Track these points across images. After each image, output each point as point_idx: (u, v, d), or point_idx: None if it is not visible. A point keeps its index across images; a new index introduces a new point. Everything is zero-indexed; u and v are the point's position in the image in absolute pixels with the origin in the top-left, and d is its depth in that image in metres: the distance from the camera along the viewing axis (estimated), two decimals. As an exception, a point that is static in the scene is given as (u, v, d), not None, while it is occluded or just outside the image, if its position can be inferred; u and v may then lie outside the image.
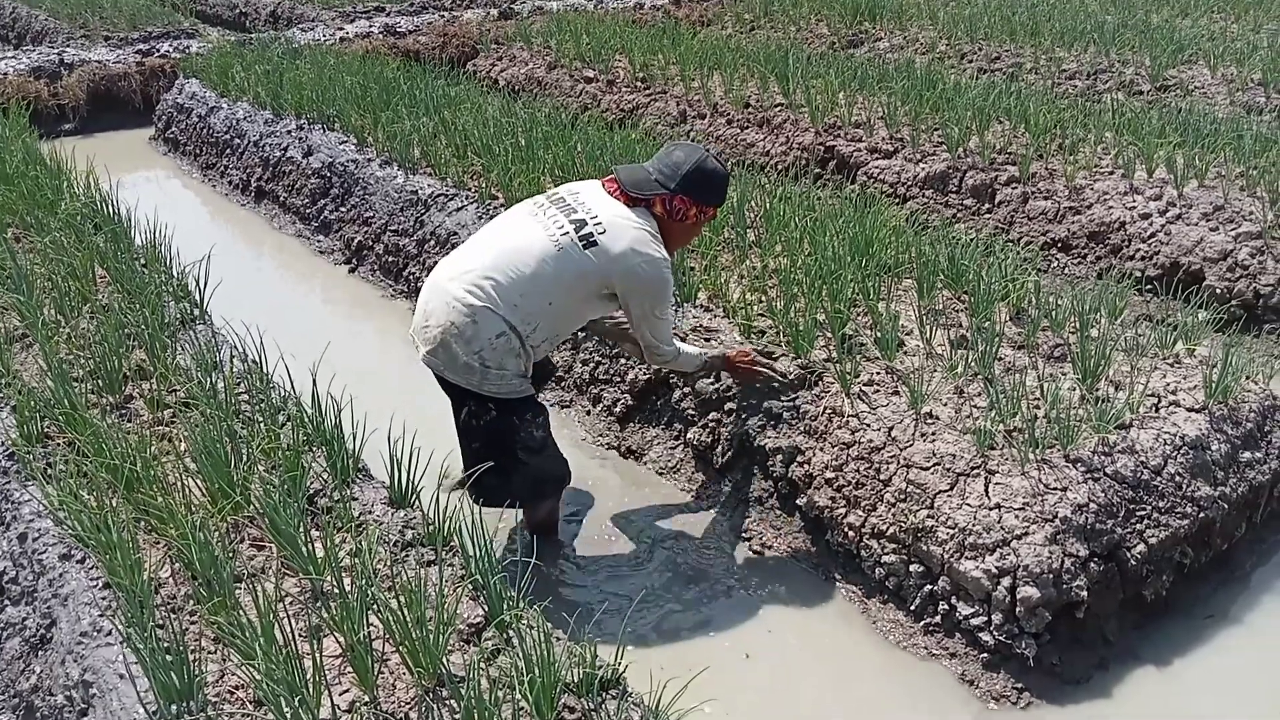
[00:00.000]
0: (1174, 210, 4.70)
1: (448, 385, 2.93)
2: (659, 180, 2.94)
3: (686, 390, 3.62)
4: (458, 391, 2.90)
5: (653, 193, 2.93)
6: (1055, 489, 2.77)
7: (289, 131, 6.63)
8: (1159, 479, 2.87)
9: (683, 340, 3.41)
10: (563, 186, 3.08)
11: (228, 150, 7.21)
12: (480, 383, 2.84)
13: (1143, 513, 2.82)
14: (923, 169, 5.58)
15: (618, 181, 2.97)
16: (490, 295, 2.78)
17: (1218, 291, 4.34)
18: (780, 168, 6.10)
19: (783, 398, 3.30)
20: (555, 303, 2.84)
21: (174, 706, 1.94)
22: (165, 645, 2.02)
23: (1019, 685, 2.64)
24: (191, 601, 2.27)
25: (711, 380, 3.47)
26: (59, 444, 2.89)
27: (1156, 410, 3.08)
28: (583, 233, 2.83)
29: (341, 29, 10.38)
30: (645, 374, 3.79)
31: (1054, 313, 3.52)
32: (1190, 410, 3.09)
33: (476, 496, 2.90)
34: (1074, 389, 3.13)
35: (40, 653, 2.37)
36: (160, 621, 2.16)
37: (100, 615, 2.24)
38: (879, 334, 3.39)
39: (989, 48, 7.98)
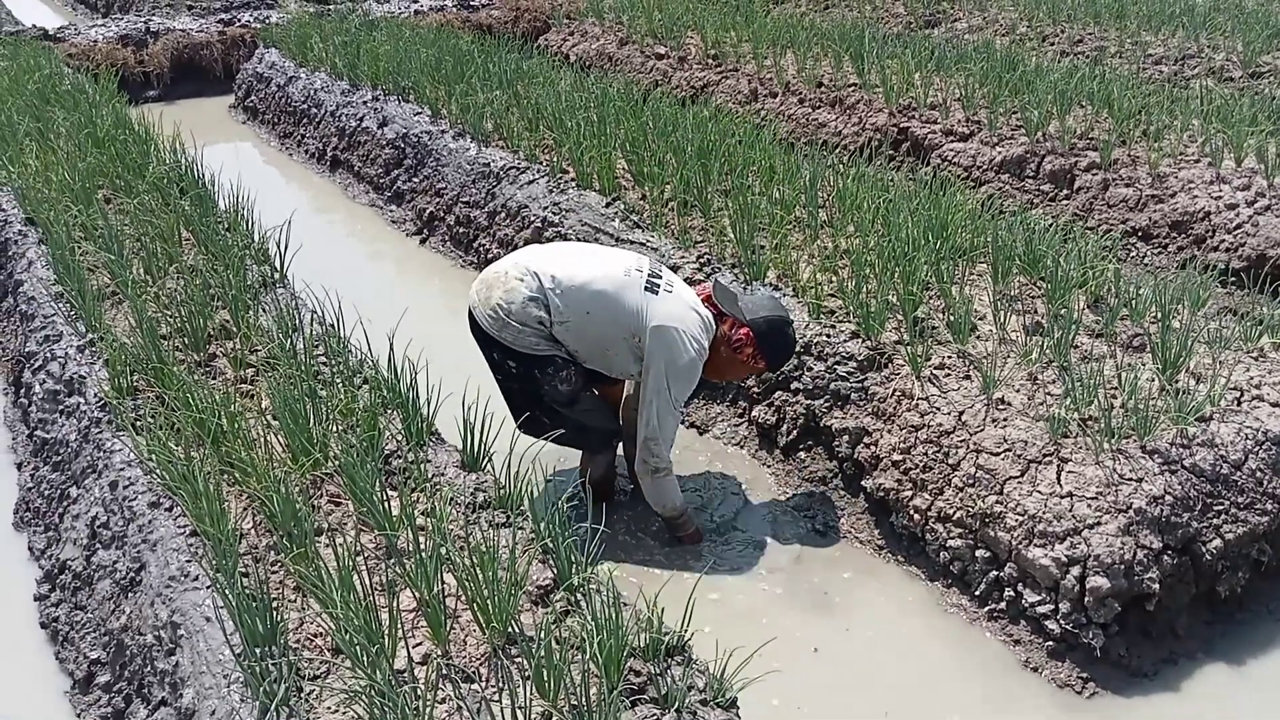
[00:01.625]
0: (1263, 201, 4.54)
1: (477, 333, 3.03)
2: (742, 307, 3.04)
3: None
4: (484, 338, 3.00)
5: (730, 313, 3.03)
6: (1130, 479, 2.72)
7: (365, 102, 6.74)
8: (1239, 474, 2.81)
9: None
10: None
11: (305, 119, 7.35)
12: (500, 330, 2.93)
13: (1220, 507, 2.76)
14: (999, 153, 5.47)
15: (709, 288, 3.09)
16: (548, 275, 2.93)
17: (1306, 286, 4.19)
18: (852, 149, 6.03)
19: None
20: (591, 315, 2.93)
21: (257, 649, 2.02)
22: (249, 592, 2.10)
23: (1084, 675, 2.62)
24: (273, 552, 2.35)
25: (670, 527, 3.21)
26: (148, 397, 3.01)
27: (1238, 404, 3.00)
28: (652, 281, 2.97)
29: (416, 1, 10.49)
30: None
31: (1134, 302, 3.44)
32: (1274, 406, 3.00)
33: (528, 428, 3.00)
34: (1153, 379, 3.07)
35: (130, 595, 2.48)
36: (244, 569, 2.24)
37: (188, 561, 2.34)
38: (951, 317, 3.35)
39: (1072, 30, 7.77)
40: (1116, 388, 3.02)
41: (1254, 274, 4.25)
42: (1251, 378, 3.11)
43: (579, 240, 4.47)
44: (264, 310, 3.51)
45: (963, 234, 3.91)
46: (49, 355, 3.46)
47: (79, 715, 2.52)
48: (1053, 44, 7.69)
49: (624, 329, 2.95)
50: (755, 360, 3.05)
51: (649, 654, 2.06)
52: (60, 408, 3.29)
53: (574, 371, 3.03)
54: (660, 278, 3.01)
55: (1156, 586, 2.61)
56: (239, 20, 9.85)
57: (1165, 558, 2.65)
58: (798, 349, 3.47)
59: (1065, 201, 5.15)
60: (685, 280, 3.47)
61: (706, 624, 2.81)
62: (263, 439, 2.71)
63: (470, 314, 3.03)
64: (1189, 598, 2.72)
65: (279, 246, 3.88)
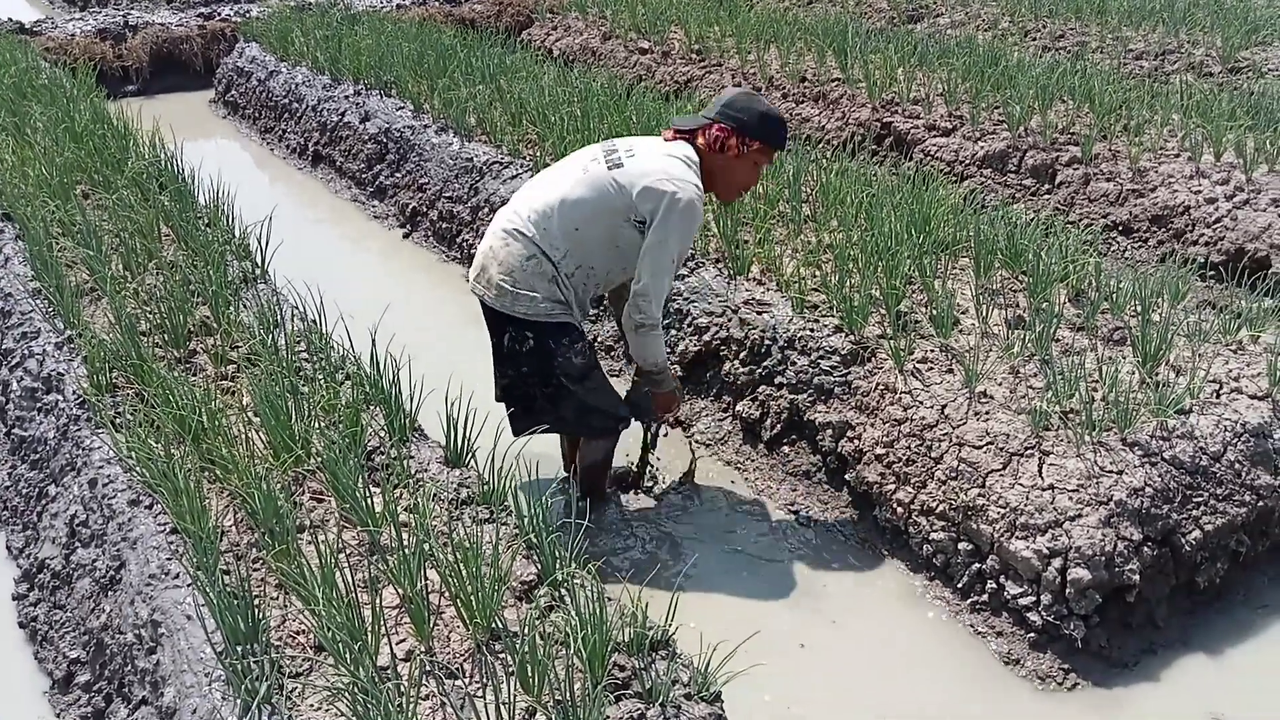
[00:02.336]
0: (1242, 195, 4.58)
1: (489, 316, 3.00)
2: (704, 115, 2.98)
3: (737, 363, 3.63)
4: (496, 319, 2.96)
5: (696, 125, 2.96)
6: (1111, 472, 2.74)
7: (346, 97, 6.70)
8: (1218, 465, 2.83)
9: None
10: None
11: (286, 114, 7.30)
12: (512, 304, 2.88)
13: (1200, 499, 2.79)
14: (982, 147, 5.49)
15: (672, 126, 3.03)
16: (524, 220, 2.89)
17: (1284, 279, 4.23)
18: (835, 143, 6.04)
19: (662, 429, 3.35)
20: (581, 229, 2.86)
21: (239, 647, 2.01)
22: (231, 589, 2.09)
23: (1065, 666, 2.64)
24: (255, 549, 2.34)
25: (648, 381, 3.17)
26: (128, 394, 2.98)
27: (1218, 396, 3.03)
28: (611, 158, 2.91)
29: (398, -4, 10.42)
30: (695, 345, 3.80)
31: (1114, 295, 3.46)
32: (1253, 398, 3.03)
33: (526, 422, 2.99)
34: (1133, 372, 3.09)
35: (110, 593, 2.46)
36: (226, 566, 2.23)
37: (168, 558, 2.32)
38: (934, 311, 3.36)
39: (1054, 25, 7.81)
40: (1097, 381, 3.04)
41: (1233, 267, 4.29)
42: (1230, 370, 3.14)
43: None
44: (245, 306, 3.48)
45: (945, 228, 3.92)
46: (26, 352, 3.43)
47: (59, 715, 2.50)
48: (1034, 39, 7.72)
49: (617, 215, 2.86)
50: (747, 146, 2.92)
51: (633, 649, 2.06)
52: (38, 405, 3.26)
53: (588, 344, 3.03)
54: (617, 150, 2.93)
55: (1137, 578, 2.63)
56: (219, 14, 9.77)
57: (1145, 549, 2.67)
58: (781, 343, 3.48)
59: (1047, 196, 5.18)
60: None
61: (690, 619, 2.82)
62: (244, 436, 2.70)
63: (481, 303, 3.00)
64: (1169, 588, 2.75)
65: (260, 242, 3.86)
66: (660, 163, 2.88)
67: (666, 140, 2.99)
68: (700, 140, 2.95)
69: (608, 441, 3.18)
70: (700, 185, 2.89)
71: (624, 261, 2.95)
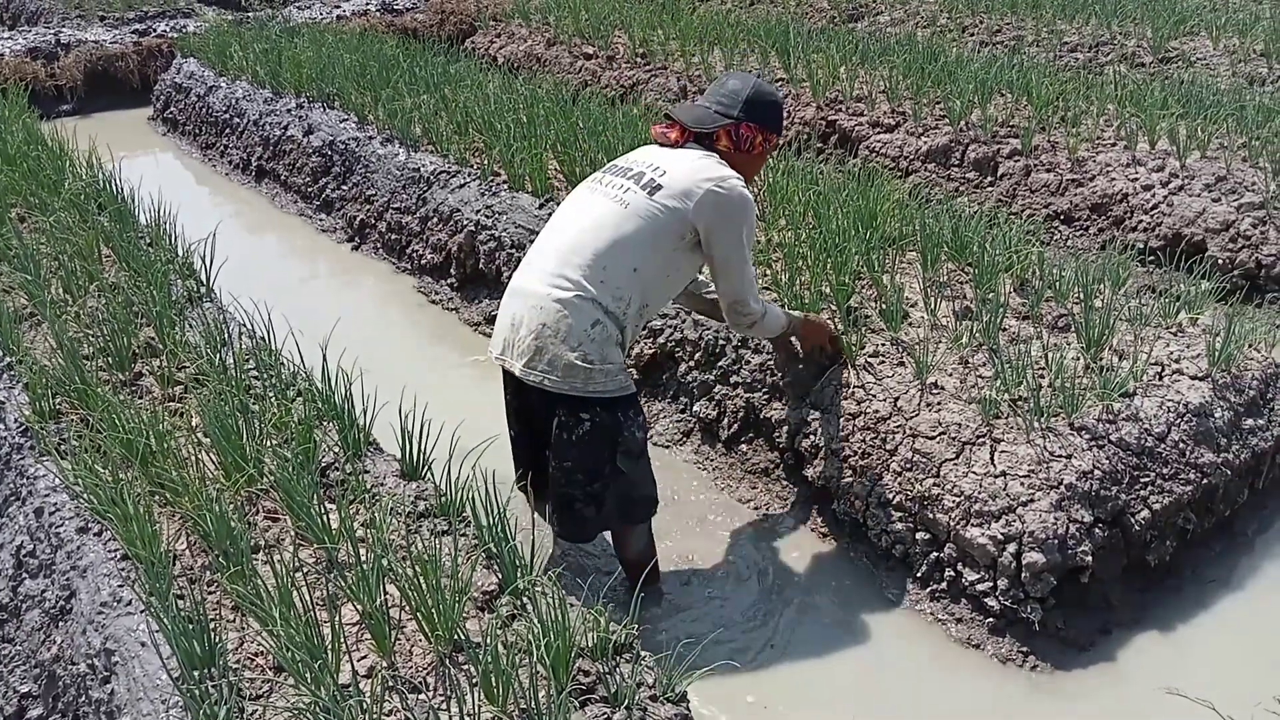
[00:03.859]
0: (1176, 181, 4.70)
1: (539, 400, 2.69)
2: (720, 111, 2.77)
3: (692, 364, 3.64)
4: (546, 403, 2.66)
5: (716, 125, 2.76)
6: (1060, 456, 2.79)
7: (289, 110, 6.62)
8: (1163, 446, 2.90)
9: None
10: (616, 160, 2.91)
11: (227, 130, 7.19)
12: (586, 383, 2.58)
13: (1147, 479, 2.85)
14: (925, 143, 5.57)
15: (675, 123, 2.80)
16: (577, 282, 2.59)
17: (1220, 262, 4.35)
18: (781, 143, 6.09)
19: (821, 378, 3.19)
20: (640, 268, 2.62)
21: (196, 672, 1.97)
22: (185, 614, 2.05)
23: (1024, 649, 2.68)
24: (209, 572, 2.30)
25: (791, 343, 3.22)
26: (72, 420, 2.91)
27: (1160, 378, 3.10)
28: (644, 182, 2.66)
29: (338, 7, 10.33)
30: (650, 348, 3.81)
31: (1058, 284, 3.53)
32: (1193, 378, 3.11)
33: (567, 532, 2.79)
34: (1078, 358, 3.15)
35: (60, 624, 2.40)
36: (180, 591, 2.19)
37: (120, 585, 2.27)
38: (884, 306, 3.40)
39: (990, 20, 7.95)
40: (1044, 368, 3.09)
41: (1170, 252, 4.40)
42: (1171, 352, 3.22)
43: (513, 243, 4.44)
44: (190, 326, 3.42)
45: (892, 223, 3.97)
46: (-36, 381, 3.34)
47: (11, 752, 2.44)
48: (972, 34, 7.86)
49: (674, 240, 2.65)
50: (768, 141, 2.83)
51: (597, 653, 2.06)
52: (-21, 435, 3.17)
53: (645, 417, 2.82)
54: (643, 173, 2.69)
55: (1089, 559, 2.68)
56: (155, 30, 9.60)
57: (1097, 530, 2.73)
58: (735, 342, 3.50)
59: (989, 188, 5.27)
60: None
61: (654, 621, 2.84)
62: (194, 457, 2.65)
63: (516, 381, 2.69)
64: (1120, 568, 2.81)
65: (204, 260, 3.79)
66: (697, 171, 2.67)
67: (671, 140, 2.79)
68: (724, 142, 2.77)
69: (647, 524, 2.87)
70: (739, 176, 2.72)
71: (674, 290, 2.82)
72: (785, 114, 2.87)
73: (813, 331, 3.18)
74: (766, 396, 3.39)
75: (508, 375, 2.78)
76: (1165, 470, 2.88)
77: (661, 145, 2.82)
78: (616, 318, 2.61)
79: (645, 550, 2.86)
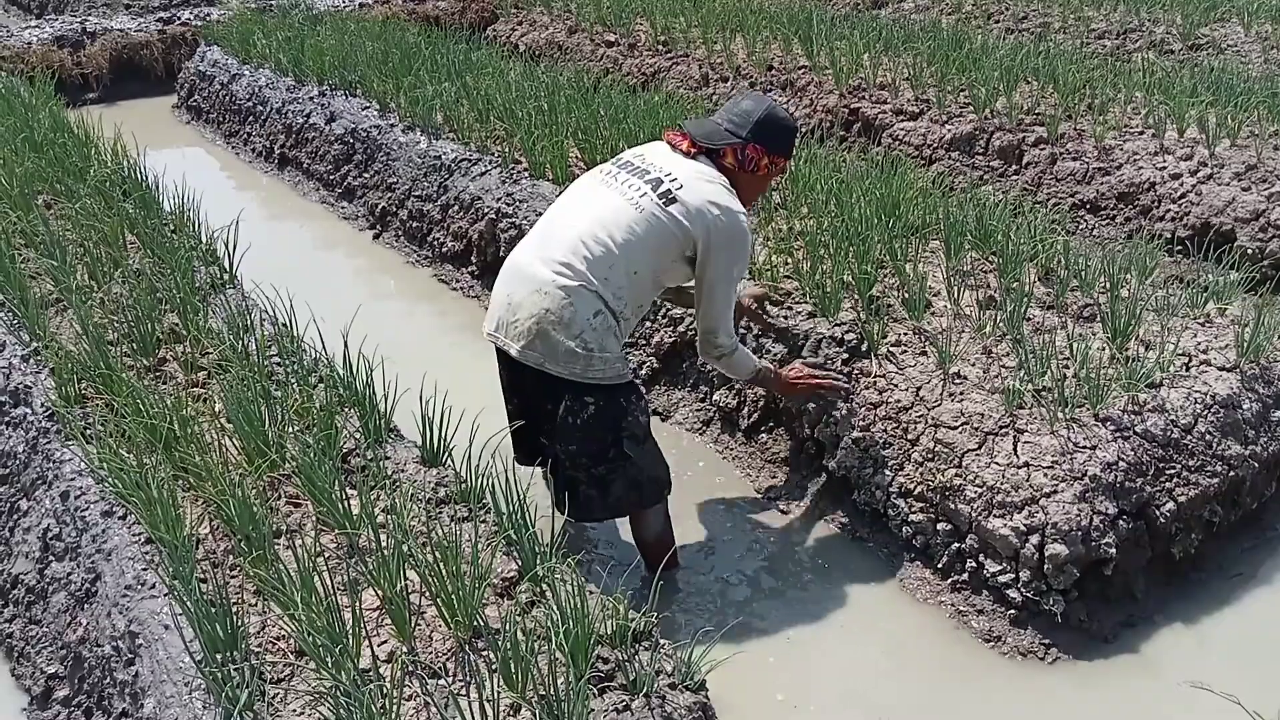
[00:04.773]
0: (1205, 170, 4.63)
1: (539, 383, 2.74)
2: (730, 130, 2.81)
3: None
4: (552, 388, 2.70)
5: (724, 143, 2.81)
6: (1084, 447, 2.77)
7: (311, 98, 6.64)
8: (1189, 437, 2.87)
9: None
10: (626, 152, 2.95)
11: (250, 117, 7.23)
12: (585, 369, 2.64)
13: (1172, 471, 2.82)
14: (949, 130, 5.52)
15: (686, 135, 2.84)
16: (582, 273, 2.63)
17: (1249, 252, 4.28)
18: (804, 130, 6.05)
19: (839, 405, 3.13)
20: (640, 271, 2.68)
21: (218, 655, 1.99)
22: (208, 597, 2.07)
23: (1046, 641, 2.66)
24: (231, 556, 2.32)
25: (762, 386, 3.25)
26: (97, 405, 2.94)
27: (1187, 369, 3.06)
28: (660, 190, 2.69)
29: (361, -5, 10.33)
30: (670, 336, 3.80)
31: (1083, 273, 3.49)
32: (1221, 369, 3.07)
33: (574, 514, 2.80)
34: (1104, 349, 3.12)
35: (86, 606, 2.43)
36: (202, 575, 2.21)
37: (144, 569, 2.30)
38: (906, 295, 3.38)
39: (1016, 7, 7.86)
40: (1069, 358, 3.06)
41: (1198, 242, 4.33)
42: (1199, 343, 3.18)
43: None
44: (214, 312, 3.44)
45: (915, 212, 3.94)
46: (-8, 366, 3.38)
47: (38, 731, 2.48)
48: (998, 21, 7.78)
49: (674, 253, 2.71)
50: (775, 164, 2.87)
51: (616, 641, 2.06)
52: (6, 419, 3.21)
53: (648, 402, 2.85)
54: (659, 180, 2.71)
55: (1113, 551, 2.65)
56: (179, 18, 9.64)
57: (1121, 522, 2.70)
58: (756, 330, 3.48)
59: (1014, 177, 5.22)
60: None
61: (674, 609, 2.84)
62: (217, 442, 2.67)
63: (518, 364, 2.72)
64: (1145, 561, 2.78)
65: (227, 247, 3.81)
66: (709, 193, 2.71)
67: (680, 149, 2.83)
68: (730, 160, 2.81)
69: (661, 505, 2.90)
70: (742, 206, 2.78)
71: (658, 292, 2.88)
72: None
73: (790, 392, 3.12)
74: (787, 386, 3.38)
75: (501, 351, 2.82)
76: (1191, 462, 2.85)
77: (673, 148, 2.84)
78: (614, 311, 2.67)
79: (662, 533, 2.90)
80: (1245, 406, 2.99)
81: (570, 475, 2.75)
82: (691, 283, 2.87)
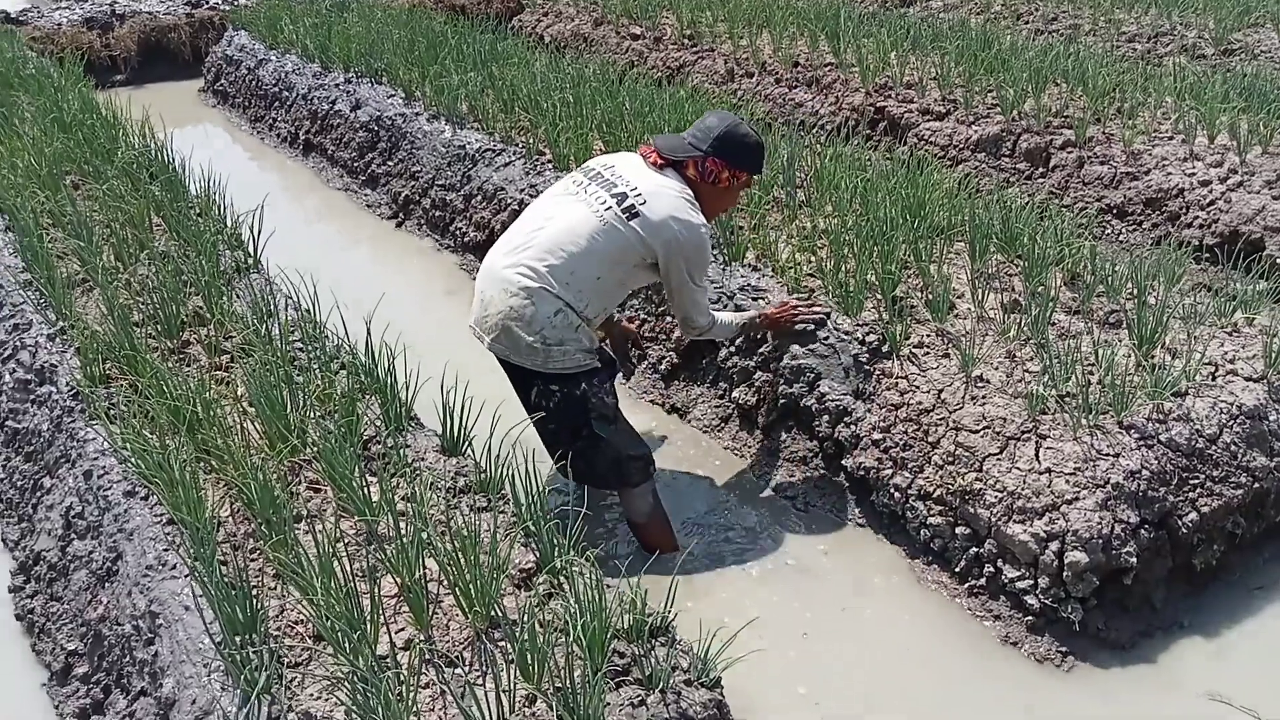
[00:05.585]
0: (1235, 178, 4.58)
1: (513, 371, 2.93)
2: (692, 143, 2.99)
3: (734, 350, 3.62)
4: (523, 375, 2.90)
5: (686, 155, 2.98)
6: (1107, 455, 2.74)
7: (337, 85, 6.66)
8: (1214, 448, 2.84)
9: (721, 308, 3.47)
10: (596, 160, 3.10)
11: (276, 103, 7.26)
12: (545, 362, 2.83)
13: (1196, 481, 2.79)
14: (975, 131, 5.47)
15: (655, 149, 3.01)
16: (544, 275, 2.81)
17: (1278, 261, 4.23)
18: (829, 128, 6.02)
19: (818, 335, 3.29)
20: (603, 277, 2.86)
21: (238, 638, 2.00)
22: (228, 579, 2.08)
23: (1063, 649, 2.65)
24: (251, 539, 2.33)
25: (754, 336, 3.47)
26: (121, 385, 2.96)
27: (1213, 379, 3.03)
28: (625, 205, 2.87)
29: (388, -17, 10.34)
30: (692, 332, 3.79)
31: (1110, 279, 3.46)
32: (1248, 380, 3.04)
33: (575, 477, 2.95)
34: (1129, 356, 3.09)
35: (107, 584, 2.45)
36: (223, 557, 2.22)
37: (165, 549, 2.31)
38: (930, 296, 3.36)
39: (1046, 8, 7.78)
40: (1093, 364, 3.04)
41: (1227, 250, 4.28)
42: (1226, 352, 3.14)
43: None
44: (238, 296, 3.46)
45: (940, 213, 3.91)
46: (18, 344, 3.41)
47: (57, 707, 2.50)
48: (1027, 22, 7.71)
49: (637, 261, 2.89)
50: (736, 178, 3.02)
51: (632, 635, 2.06)
52: (31, 397, 3.24)
53: (613, 384, 3.04)
54: (624, 194, 2.88)
55: (1134, 560, 2.63)
56: (207, 2, 9.69)
57: (1142, 532, 2.68)
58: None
59: (1041, 180, 5.17)
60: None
61: (690, 605, 2.83)
62: (239, 426, 2.68)
63: (498, 355, 2.92)
64: (1165, 571, 2.76)
65: (252, 231, 3.83)
66: (671, 207, 2.88)
67: (649, 161, 2.99)
68: (691, 171, 2.98)
69: (648, 484, 3.02)
70: (704, 218, 2.95)
71: (626, 293, 3.12)
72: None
73: (776, 324, 3.35)
74: (807, 384, 3.36)
75: None
76: (1215, 473, 2.82)
77: (644, 160, 3.02)
78: (577, 310, 2.84)
79: (651, 513, 3.04)
80: (1272, 418, 2.96)
81: (561, 448, 2.92)
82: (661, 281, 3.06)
